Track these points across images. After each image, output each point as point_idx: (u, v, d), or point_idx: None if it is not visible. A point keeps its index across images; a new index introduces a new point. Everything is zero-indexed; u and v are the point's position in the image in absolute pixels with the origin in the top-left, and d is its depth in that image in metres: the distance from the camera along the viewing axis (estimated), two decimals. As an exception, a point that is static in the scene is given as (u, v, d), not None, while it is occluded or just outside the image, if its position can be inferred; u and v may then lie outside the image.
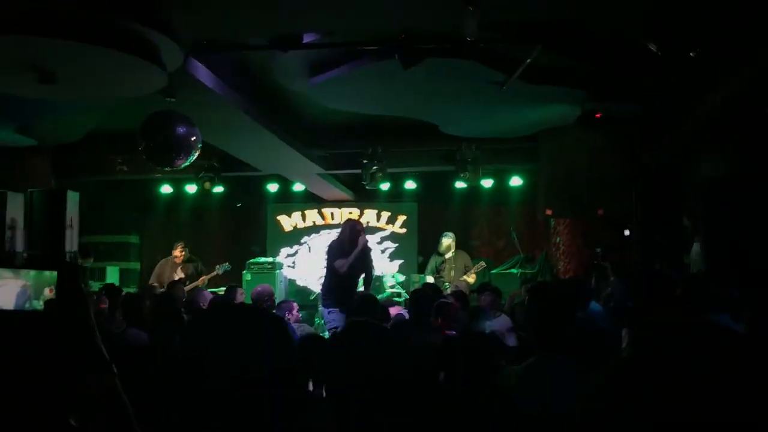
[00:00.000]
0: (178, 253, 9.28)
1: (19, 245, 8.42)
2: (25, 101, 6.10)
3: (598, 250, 8.39)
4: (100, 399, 1.54)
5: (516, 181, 11.15)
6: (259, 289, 6.63)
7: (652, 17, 4.82)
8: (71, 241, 9.20)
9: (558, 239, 9.66)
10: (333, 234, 13.07)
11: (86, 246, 9.14)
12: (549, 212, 9.10)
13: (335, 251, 7.10)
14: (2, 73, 4.98)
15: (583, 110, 7.23)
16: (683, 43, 4.87)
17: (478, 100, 7.36)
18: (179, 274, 9.10)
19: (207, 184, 10.32)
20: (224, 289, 7.98)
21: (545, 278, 9.38)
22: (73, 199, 10.26)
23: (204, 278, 9.03)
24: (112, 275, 10.66)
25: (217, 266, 9.19)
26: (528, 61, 5.80)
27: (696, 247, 7.14)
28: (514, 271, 10.38)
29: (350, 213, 12.99)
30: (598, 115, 7.14)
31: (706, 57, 5.02)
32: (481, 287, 7.56)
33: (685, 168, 8.21)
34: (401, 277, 10.66)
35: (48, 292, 1.63)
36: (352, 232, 7.12)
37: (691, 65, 5.27)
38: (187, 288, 8.34)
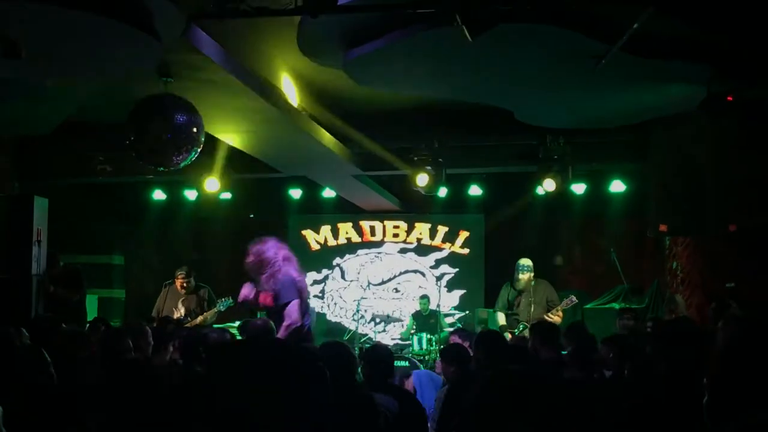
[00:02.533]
0: (179, 283, 9.41)
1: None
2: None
3: (730, 285, 8.25)
4: None
5: (618, 186, 11.00)
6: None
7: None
8: (39, 261, 9.37)
9: (675, 264, 9.49)
10: (372, 254, 13.31)
11: (73, 273, 9.24)
12: (663, 228, 8.96)
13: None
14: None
15: (709, 92, 7.10)
16: None
17: (568, 79, 7.30)
18: (179, 310, 9.22)
19: (210, 186, 10.41)
20: (237, 324, 8.08)
21: (658, 315, 9.21)
22: (41, 207, 10.48)
23: (204, 316, 9.13)
24: (90, 306, 10.81)
25: (219, 301, 9.31)
26: (635, 26, 5.72)
27: None
28: (615, 306, 10.23)
29: (396, 227, 13.01)
30: (729, 99, 7.00)
31: None
32: (571, 328, 7.29)
33: None
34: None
35: None
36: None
37: None
38: (187, 325, 8.43)
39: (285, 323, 7.07)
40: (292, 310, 7.20)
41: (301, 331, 7.16)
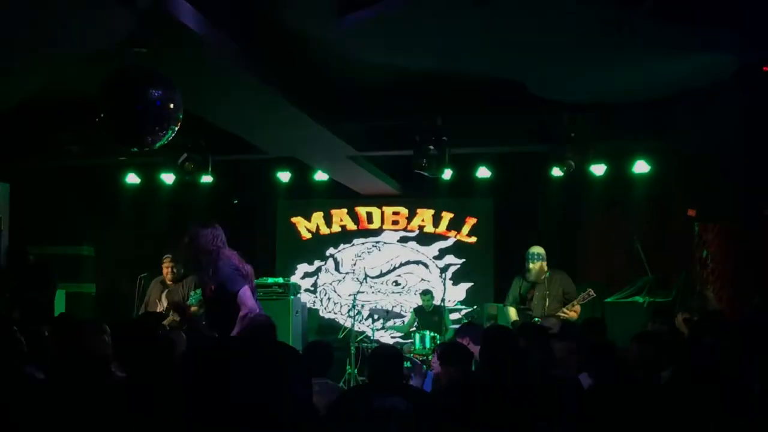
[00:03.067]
0: (165, 270, 9.41)
1: None
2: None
3: None
4: None
5: (642, 167, 11.02)
6: None
7: None
8: None
9: (705, 253, 9.50)
10: (369, 244, 13.30)
11: (41, 270, 9.23)
12: (692, 213, 8.97)
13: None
14: None
15: (741, 62, 7.10)
16: None
17: (585, 48, 7.30)
18: (162, 303, 9.22)
19: (189, 166, 10.40)
20: None
21: (689, 309, 9.22)
22: (2, 192, 10.55)
23: (172, 318, 9.10)
24: (57, 302, 10.84)
25: (191, 294, 9.28)
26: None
27: None
28: (638, 299, 10.25)
29: (396, 214, 13.03)
30: (766, 69, 7.02)
31: None
32: (587, 325, 7.36)
33: None
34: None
35: None
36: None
37: None
38: (165, 322, 8.44)
39: (242, 313, 6.94)
40: (246, 297, 7.04)
41: (259, 319, 7.03)
